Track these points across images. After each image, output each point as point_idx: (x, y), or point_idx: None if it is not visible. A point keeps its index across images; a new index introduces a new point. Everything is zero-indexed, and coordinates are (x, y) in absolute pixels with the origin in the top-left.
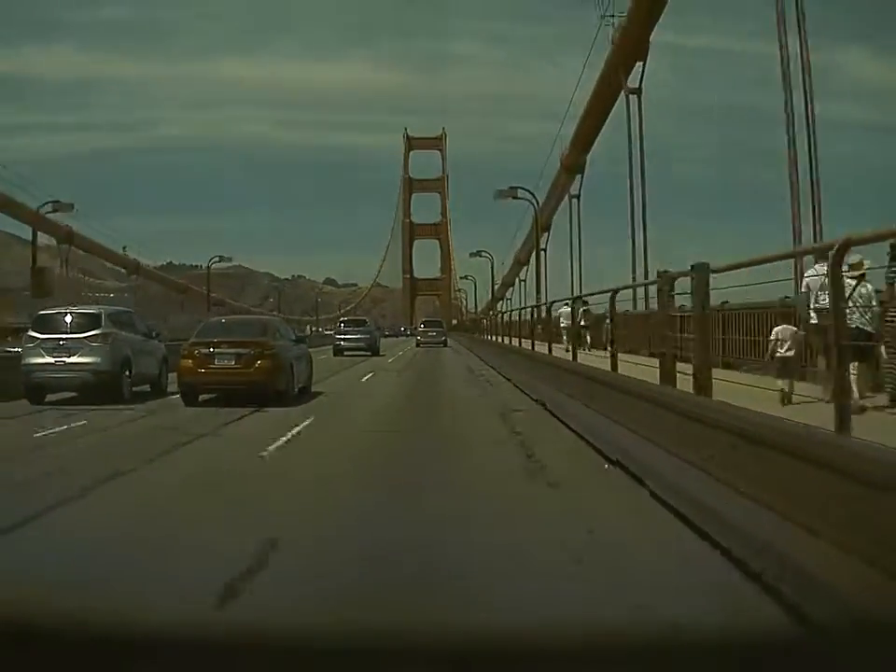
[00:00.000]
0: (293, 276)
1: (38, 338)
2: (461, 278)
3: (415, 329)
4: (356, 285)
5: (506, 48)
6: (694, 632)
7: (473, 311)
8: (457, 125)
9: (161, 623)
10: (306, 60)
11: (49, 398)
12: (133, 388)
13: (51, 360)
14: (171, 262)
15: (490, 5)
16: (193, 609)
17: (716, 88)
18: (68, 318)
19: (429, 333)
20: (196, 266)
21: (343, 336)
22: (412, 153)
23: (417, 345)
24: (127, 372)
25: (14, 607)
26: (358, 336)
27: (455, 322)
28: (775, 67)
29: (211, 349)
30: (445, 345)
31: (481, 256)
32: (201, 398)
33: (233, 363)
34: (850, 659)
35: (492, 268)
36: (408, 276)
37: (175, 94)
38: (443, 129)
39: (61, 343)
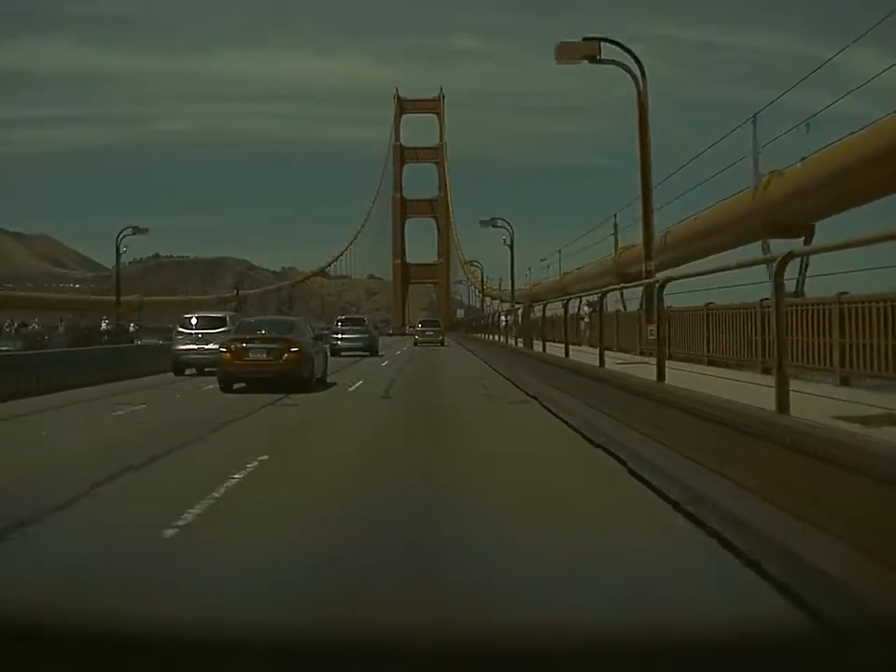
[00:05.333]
0: (283, 268)
1: (184, 332)
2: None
3: (412, 327)
4: (348, 276)
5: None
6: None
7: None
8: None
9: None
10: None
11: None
12: None
13: (195, 346)
14: (157, 254)
15: None
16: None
17: None
18: (205, 319)
19: (427, 333)
20: (184, 257)
21: (340, 336)
22: (403, 117)
23: (415, 344)
24: None
25: None
26: (356, 336)
27: (461, 313)
28: None
29: (245, 344)
30: (442, 345)
31: (474, 265)
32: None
33: (265, 356)
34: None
35: (482, 275)
36: (399, 261)
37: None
38: (441, 89)
39: (200, 335)
